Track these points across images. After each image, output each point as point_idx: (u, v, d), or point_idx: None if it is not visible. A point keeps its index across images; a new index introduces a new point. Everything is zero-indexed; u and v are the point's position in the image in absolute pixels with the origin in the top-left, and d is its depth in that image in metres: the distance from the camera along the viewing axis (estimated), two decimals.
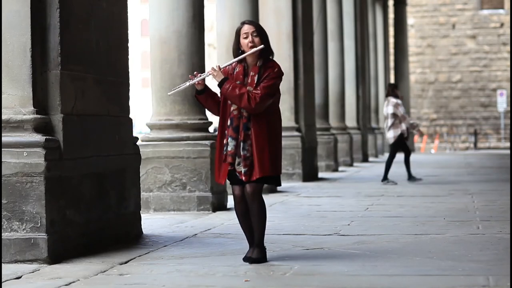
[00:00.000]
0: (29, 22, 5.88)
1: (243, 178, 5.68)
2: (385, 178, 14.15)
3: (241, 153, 5.66)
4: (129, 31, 7.29)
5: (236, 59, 5.73)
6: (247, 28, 5.70)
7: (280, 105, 5.92)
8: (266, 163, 5.64)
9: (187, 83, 5.81)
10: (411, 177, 14.55)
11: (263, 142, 5.65)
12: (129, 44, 7.25)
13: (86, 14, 6.45)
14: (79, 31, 6.32)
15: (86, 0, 6.47)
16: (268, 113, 5.70)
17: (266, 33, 5.77)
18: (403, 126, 14.29)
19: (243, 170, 5.67)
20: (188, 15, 9.67)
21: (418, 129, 15.17)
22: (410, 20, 40.96)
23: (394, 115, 14.11)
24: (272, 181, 5.79)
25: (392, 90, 14.49)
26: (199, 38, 9.76)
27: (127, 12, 7.25)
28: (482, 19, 41.80)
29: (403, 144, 14.53)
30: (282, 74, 5.74)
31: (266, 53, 5.73)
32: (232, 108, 5.72)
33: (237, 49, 5.75)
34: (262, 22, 13.21)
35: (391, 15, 35.70)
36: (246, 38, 5.68)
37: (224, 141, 5.74)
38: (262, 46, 5.67)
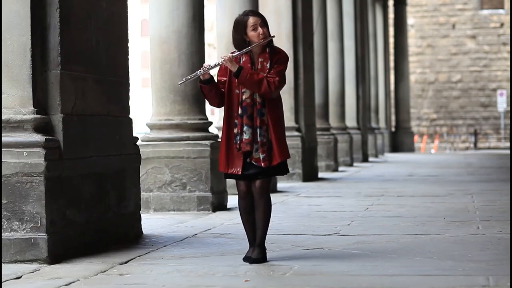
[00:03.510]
0: (29, 22, 5.88)
1: (263, 164, 5.67)
2: None
3: (258, 139, 5.68)
4: (129, 31, 7.29)
5: (249, 47, 5.74)
6: (253, 20, 5.75)
7: None
8: (285, 147, 5.74)
9: (198, 73, 5.81)
10: None
11: (280, 126, 5.74)
12: (129, 44, 7.25)
13: (86, 14, 6.45)
14: (79, 31, 6.32)
15: (86, 0, 6.48)
16: (278, 98, 5.81)
17: (267, 22, 5.89)
18: None
19: (261, 156, 5.67)
20: (188, 15, 9.67)
21: None
22: (410, 20, 40.97)
23: None
24: (284, 170, 5.80)
25: None
26: (199, 38, 9.76)
27: (127, 12, 7.25)
28: (482, 19, 41.81)
29: None
30: (288, 58, 5.85)
31: (272, 41, 5.84)
32: (244, 97, 5.72)
33: (243, 40, 5.76)
34: None
35: (391, 15, 35.70)
36: (254, 30, 5.73)
37: (235, 131, 5.73)
38: (274, 35, 5.79)
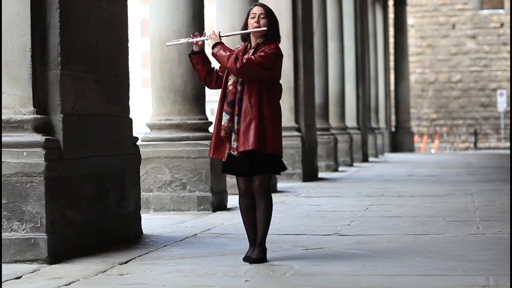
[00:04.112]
0: (29, 22, 5.88)
1: (236, 153, 5.69)
2: None
3: (235, 127, 5.70)
4: (129, 31, 7.29)
5: (237, 32, 5.91)
6: (256, 10, 5.82)
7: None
8: (252, 137, 5.63)
9: (186, 40, 5.93)
10: None
11: (251, 116, 5.66)
12: (129, 44, 7.25)
13: (86, 14, 6.45)
14: (79, 31, 6.32)
15: (86, 0, 6.48)
16: (263, 91, 5.71)
17: (275, 19, 5.87)
18: None
19: (235, 145, 5.70)
20: (188, 15, 9.67)
21: None
22: (410, 20, 40.96)
23: None
24: (275, 167, 5.75)
25: None
26: None
27: (127, 12, 7.25)
28: (482, 19, 41.80)
29: None
30: (281, 55, 5.78)
31: (270, 36, 5.81)
32: (228, 83, 5.78)
33: (244, 28, 5.86)
34: None
35: (391, 15, 35.71)
36: (253, 18, 5.80)
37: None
38: (264, 28, 5.77)
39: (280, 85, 5.90)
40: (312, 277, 5.19)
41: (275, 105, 5.79)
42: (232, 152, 5.73)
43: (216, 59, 5.79)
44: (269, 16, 5.81)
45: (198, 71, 5.94)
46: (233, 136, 5.72)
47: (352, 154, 21.28)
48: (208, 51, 5.97)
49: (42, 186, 5.73)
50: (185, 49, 9.64)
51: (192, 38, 5.89)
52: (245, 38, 5.89)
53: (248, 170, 5.73)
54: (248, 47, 5.86)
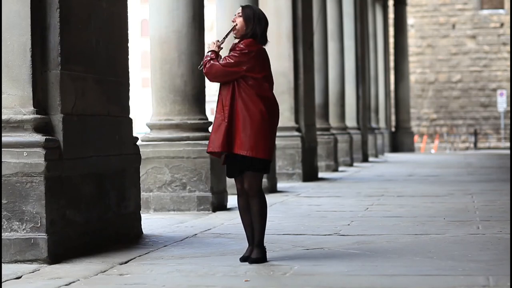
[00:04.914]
0: (29, 22, 5.88)
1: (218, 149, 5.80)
2: None
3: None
4: (129, 31, 7.29)
5: (225, 35, 6.02)
6: (237, 10, 5.93)
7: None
8: (222, 139, 5.69)
9: (200, 68, 6.05)
10: None
11: (223, 118, 5.72)
12: (129, 44, 7.25)
13: (86, 14, 6.45)
14: (79, 31, 6.32)
15: (86, 0, 6.48)
16: (238, 91, 5.74)
17: (251, 17, 5.85)
18: None
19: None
20: (188, 15, 9.67)
21: None
22: (410, 20, 40.96)
23: None
24: (256, 166, 5.73)
25: None
26: (199, 38, 9.76)
27: (127, 12, 7.25)
28: (482, 19, 41.80)
29: None
30: (251, 49, 5.75)
31: (244, 33, 5.84)
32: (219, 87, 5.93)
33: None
34: None
35: (391, 15, 35.70)
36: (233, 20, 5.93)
37: None
38: (234, 24, 5.84)
39: (266, 82, 5.80)
40: (312, 277, 5.19)
41: (258, 105, 5.73)
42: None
43: None
44: (245, 14, 5.85)
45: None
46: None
47: (352, 154, 21.28)
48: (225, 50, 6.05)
49: (42, 186, 5.73)
50: (185, 49, 9.65)
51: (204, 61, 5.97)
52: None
53: (236, 172, 5.79)
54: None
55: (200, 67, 6.02)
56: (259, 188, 5.79)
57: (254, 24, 5.84)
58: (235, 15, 5.90)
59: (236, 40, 5.89)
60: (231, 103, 5.74)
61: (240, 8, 5.92)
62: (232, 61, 5.75)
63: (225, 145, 5.71)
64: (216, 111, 5.83)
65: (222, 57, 5.86)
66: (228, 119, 5.72)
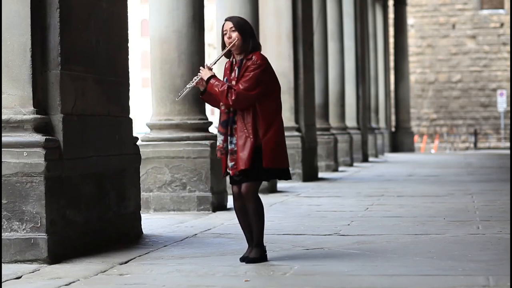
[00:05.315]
0: (29, 22, 5.88)
1: (231, 172, 5.68)
2: None
3: (229, 147, 5.69)
4: (129, 31, 7.29)
5: (219, 56, 5.85)
6: (226, 25, 5.76)
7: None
8: (248, 156, 5.60)
9: (188, 87, 5.90)
10: None
11: (246, 136, 5.63)
12: (129, 44, 7.25)
13: (86, 14, 6.45)
14: (79, 31, 6.32)
15: (86, 0, 6.48)
16: (257, 106, 5.66)
17: (246, 27, 5.74)
18: None
19: (230, 164, 5.69)
20: (188, 15, 9.67)
21: None
22: (410, 20, 40.96)
23: None
24: (262, 175, 5.71)
25: None
26: (199, 38, 9.76)
27: (127, 12, 7.25)
28: (482, 19, 41.80)
29: None
30: (264, 63, 5.68)
31: (247, 47, 5.71)
32: (221, 103, 5.77)
33: (224, 46, 5.82)
34: (262, 22, 13.21)
35: (391, 15, 35.70)
36: (225, 34, 5.76)
37: None
38: (236, 39, 5.66)
39: (276, 88, 5.76)
40: (312, 277, 5.19)
41: (273, 114, 5.69)
42: (228, 171, 5.73)
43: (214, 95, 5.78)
44: (239, 26, 5.70)
45: (215, 106, 5.91)
46: (229, 156, 5.71)
47: (352, 154, 21.28)
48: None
49: (42, 186, 5.73)
50: (185, 49, 9.65)
51: (192, 83, 5.84)
52: (228, 55, 5.82)
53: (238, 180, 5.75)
54: (234, 63, 5.79)
55: (179, 96, 5.94)
56: (255, 193, 5.77)
57: (251, 34, 5.74)
58: (225, 31, 5.72)
59: (238, 57, 5.73)
60: (253, 119, 5.64)
61: (229, 22, 5.74)
62: (255, 82, 5.60)
63: (251, 162, 5.61)
64: (234, 128, 5.66)
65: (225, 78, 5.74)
66: (254, 135, 5.61)
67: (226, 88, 5.64)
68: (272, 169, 5.70)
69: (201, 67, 5.87)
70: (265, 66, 5.68)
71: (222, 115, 5.76)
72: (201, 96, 5.91)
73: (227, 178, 5.94)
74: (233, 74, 5.75)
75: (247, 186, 5.71)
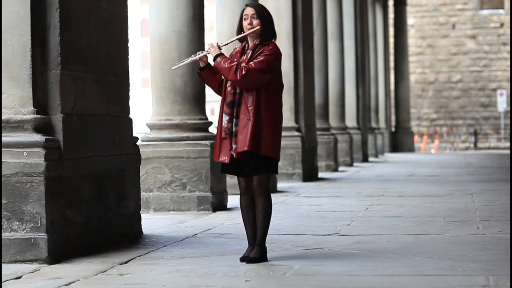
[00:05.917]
0: (29, 22, 5.88)
1: (234, 154, 5.68)
2: None
3: (233, 129, 5.70)
4: (129, 31, 7.29)
5: (234, 38, 5.88)
6: (248, 11, 5.80)
7: None
8: (248, 137, 5.61)
9: (189, 59, 5.95)
10: None
11: (248, 118, 5.65)
12: (129, 44, 7.25)
13: (86, 14, 6.45)
14: (79, 31, 6.32)
15: (86, 0, 6.48)
16: (262, 92, 5.69)
17: (268, 16, 5.83)
18: None
19: (233, 146, 5.70)
20: (188, 15, 9.67)
21: None
22: (410, 20, 40.96)
23: None
24: (271, 167, 5.73)
25: None
26: (199, 38, 9.76)
27: (127, 12, 7.25)
28: (482, 19, 41.80)
29: None
30: (279, 54, 5.77)
31: (265, 34, 5.79)
32: (227, 84, 5.79)
33: (240, 30, 5.86)
34: None
35: (391, 15, 35.70)
36: (246, 20, 5.79)
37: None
38: (258, 27, 5.74)
39: (281, 84, 5.85)
40: (312, 277, 5.19)
41: (275, 106, 5.76)
42: (232, 153, 5.74)
43: (219, 71, 5.80)
44: (261, 14, 5.78)
45: (210, 85, 5.94)
46: (233, 139, 5.72)
47: (352, 154, 21.28)
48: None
49: (42, 186, 5.73)
50: (185, 49, 9.65)
51: (194, 56, 5.90)
52: (242, 39, 5.89)
53: (247, 171, 5.73)
54: (246, 48, 5.85)
55: (177, 65, 6.00)
56: (268, 187, 5.79)
57: (271, 23, 5.82)
58: (246, 16, 5.77)
59: (255, 41, 5.77)
60: (256, 104, 5.67)
61: (251, 8, 5.79)
62: (268, 66, 5.66)
63: (252, 144, 5.63)
64: (239, 111, 5.69)
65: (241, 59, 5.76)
66: (254, 119, 5.65)
67: (235, 64, 5.68)
68: (268, 158, 5.71)
69: (211, 43, 5.89)
70: (279, 56, 5.76)
71: (228, 96, 5.76)
72: (199, 71, 5.93)
73: (228, 177, 5.94)
74: (243, 57, 5.77)
75: (258, 179, 5.72)
